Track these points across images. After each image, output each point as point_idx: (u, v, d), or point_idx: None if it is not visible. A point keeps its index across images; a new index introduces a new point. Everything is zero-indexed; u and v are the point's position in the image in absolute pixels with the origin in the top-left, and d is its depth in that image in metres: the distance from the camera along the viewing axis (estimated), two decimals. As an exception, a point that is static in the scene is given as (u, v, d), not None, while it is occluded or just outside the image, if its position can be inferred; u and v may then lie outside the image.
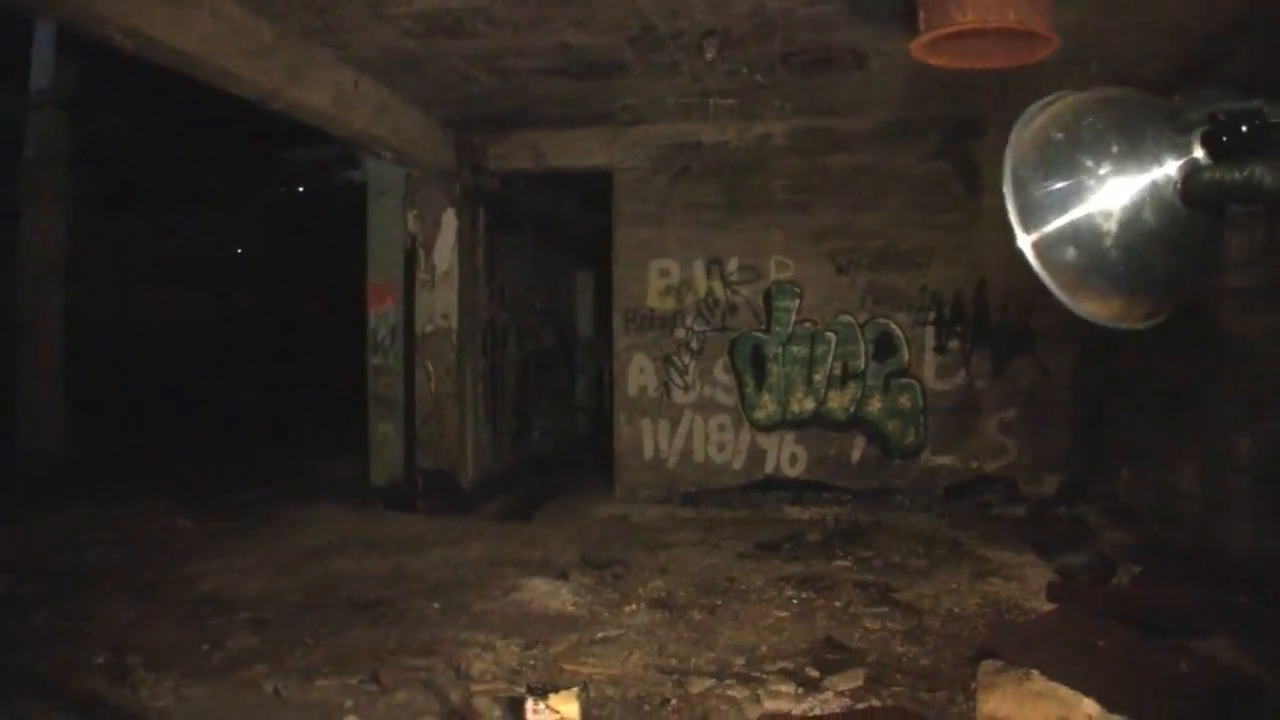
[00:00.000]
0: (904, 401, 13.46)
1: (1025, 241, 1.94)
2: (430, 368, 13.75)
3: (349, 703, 6.45)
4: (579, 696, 5.88)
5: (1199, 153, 1.78)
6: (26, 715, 6.30)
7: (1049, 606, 8.35)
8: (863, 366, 13.54)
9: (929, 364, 13.47)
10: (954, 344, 13.35)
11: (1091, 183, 1.86)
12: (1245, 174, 1.69)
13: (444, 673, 6.93)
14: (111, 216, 21.51)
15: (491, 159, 14.26)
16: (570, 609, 8.48)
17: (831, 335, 13.56)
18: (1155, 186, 1.82)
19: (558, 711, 5.79)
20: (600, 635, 7.79)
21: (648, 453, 13.95)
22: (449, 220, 13.85)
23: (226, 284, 27.85)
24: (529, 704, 5.87)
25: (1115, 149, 1.87)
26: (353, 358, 14.90)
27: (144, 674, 7.00)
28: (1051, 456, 13.21)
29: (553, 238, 17.75)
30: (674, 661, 7.19)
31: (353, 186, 16.60)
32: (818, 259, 13.54)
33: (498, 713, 6.20)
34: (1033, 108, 2.10)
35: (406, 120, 12.50)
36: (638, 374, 13.95)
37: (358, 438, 14.47)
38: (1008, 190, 1.97)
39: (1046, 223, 1.92)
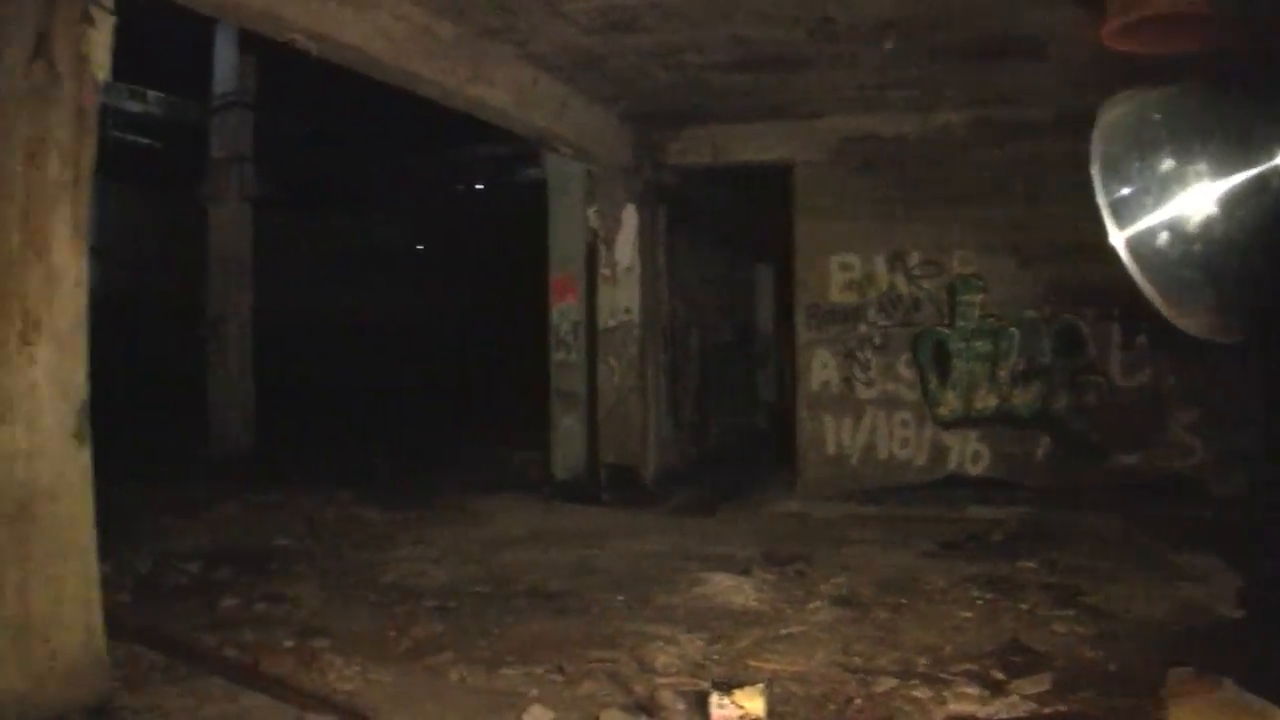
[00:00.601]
0: (1089, 399, 13.14)
1: (1119, 239, 1.86)
2: (613, 362, 13.81)
3: (534, 692, 6.47)
4: (764, 692, 5.85)
5: None
6: (215, 696, 6.44)
7: (1240, 613, 8.11)
8: (1047, 362, 13.24)
9: (1115, 360, 13.12)
10: (1141, 339, 12.97)
11: (1191, 170, 1.81)
12: None
13: (628, 665, 6.93)
14: (293, 214, 21.99)
15: (670, 154, 14.27)
16: (754, 604, 8.43)
17: (1015, 330, 13.30)
18: (1262, 179, 1.75)
19: (743, 707, 5.76)
20: (784, 632, 7.72)
21: (830, 449, 13.82)
22: (629, 216, 13.90)
23: (407, 280, 28.29)
24: (714, 698, 5.84)
25: (1220, 137, 1.78)
26: (533, 352, 15.02)
27: (331, 658, 7.12)
28: (1240, 457, 12.76)
29: (732, 233, 17.73)
30: (858, 660, 7.10)
31: (531, 183, 16.75)
32: (1001, 252, 13.29)
33: (682, 706, 6.17)
34: (1120, 95, 1.99)
35: (586, 117, 12.56)
36: (820, 369, 13.84)
37: (540, 431, 14.58)
38: (1096, 174, 1.88)
39: (1144, 209, 1.86)
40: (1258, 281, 1.81)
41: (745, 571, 9.35)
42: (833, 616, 8.15)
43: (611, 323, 13.85)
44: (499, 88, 10.71)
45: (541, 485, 13.82)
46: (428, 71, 9.63)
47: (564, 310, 14.13)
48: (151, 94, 20.06)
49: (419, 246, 30.42)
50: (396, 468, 15.30)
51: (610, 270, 13.94)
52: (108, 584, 6.75)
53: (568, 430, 14.14)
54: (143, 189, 22.26)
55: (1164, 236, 1.80)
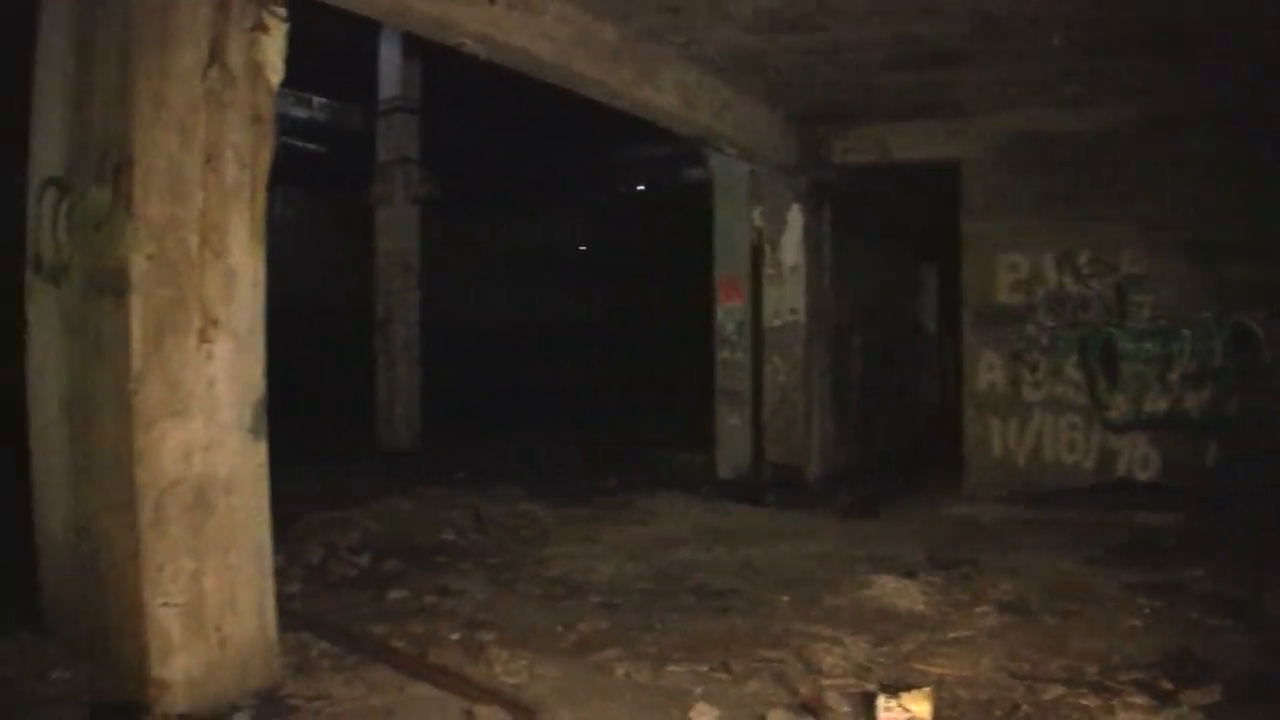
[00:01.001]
0: (1263, 403, 12.75)
1: None
2: (778, 362, 13.82)
3: (699, 689, 6.48)
4: (931, 696, 5.79)
5: None
6: (383, 685, 6.56)
7: None
8: (1219, 364, 12.89)
9: (1288, 363, 12.73)
10: (1316, 341, 12.61)
11: None
12: None
13: (794, 665, 6.91)
14: (458, 216, 22.28)
15: (835, 153, 14.23)
16: (920, 608, 8.34)
17: (1186, 332, 12.98)
18: None
19: (909, 710, 5.72)
20: (950, 636, 7.63)
21: (996, 451, 13.65)
22: (794, 216, 13.90)
23: (570, 280, 28.54)
24: (880, 701, 5.82)
25: None
26: (697, 351, 15.06)
27: (498, 651, 7.18)
28: None
29: (897, 232, 17.60)
30: (1025, 666, 6.98)
31: (693, 183, 16.80)
32: (1172, 251, 12.96)
33: (848, 708, 6.15)
34: None
35: (750, 116, 12.57)
36: (986, 370, 13.68)
37: (703, 430, 14.61)
38: None
39: None
40: None
41: (911, 574, 9.26)
42: (999, 621, 8.04)
43: (777, 322, 13.86)
44: (664, 89, 10.79)
45: (705, 484, 13.80)
46: (594, 73, 9.76)
47: (729, 310, 14.15)
48: (316, 100, 20.55)
49: (581, 247, 30.68)
50: (560, 465, 15.40)
51: (776, 270, 13.94)
52: (278, 574, 6.92)
53: (732, 429, 14.16)
54: (310, 193, 22.77)
55: None
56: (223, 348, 6.19)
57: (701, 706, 6.09)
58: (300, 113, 20.24)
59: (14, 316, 7.12)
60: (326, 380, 18.29)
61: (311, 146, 20.77)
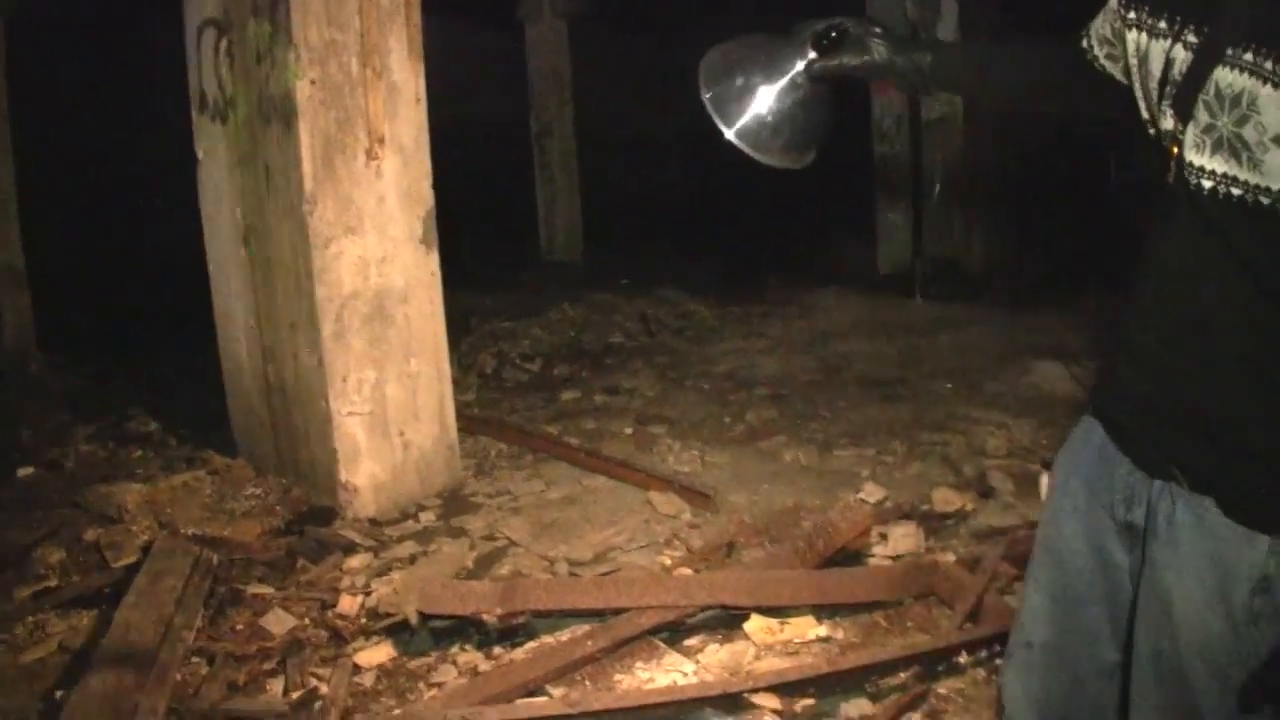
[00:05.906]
0: None
1: (730, 134, 2.90)
2: (938, 156, 13.57)
3: (865, 472, 6.67)
4: (1092, 473, 5.88)
5: (812, 54, 2.76)
6: (560, 479, 6.90)
7: None
8: None
9: None
10: None
11: (756, 81, 2.87)
12: (836, 60, 2.71)
13: (958, 448, 7.04)
14: (612, 34, 22.16)
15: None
16: (1081, 393, 8.28)
17: None
18: (794, 78, 2.81)
19: (1070, 487, 5.83)
20: (1113, 419, 7.65)
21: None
22: (949, 4, 13.50)
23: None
24: (1044, 479, 5.93)
25: (764, 59, 2.87)
26: (852, 149, 14.89)
27: (670, 442, 7.46)
28: None
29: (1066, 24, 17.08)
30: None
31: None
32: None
33: (1011, 486, 6.28)
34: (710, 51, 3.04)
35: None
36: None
37: (862, 227, 14.53)
38: (705, 98, 2.94)
39: (740, 115, 2.89)
40: (810, 133, 2.91)
41: (1073, 360, 9.24)
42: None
43: (936, 114, 13.57)
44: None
45: (865, 279, 13.72)
46: None
47: (887, 104, 13.84)
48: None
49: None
50: (721, 267, 15.44)
51: (933, 59, 13.55)
52: (454, 383, 7.14)
53: (890, 225, 14.02)
54: (457, 17, 22.74)
55: (755, 128, 2.88)
56: (390, 164, 6.38)
57: (869, 487, 6.29)
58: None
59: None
60: (492, 197, 18.44)
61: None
